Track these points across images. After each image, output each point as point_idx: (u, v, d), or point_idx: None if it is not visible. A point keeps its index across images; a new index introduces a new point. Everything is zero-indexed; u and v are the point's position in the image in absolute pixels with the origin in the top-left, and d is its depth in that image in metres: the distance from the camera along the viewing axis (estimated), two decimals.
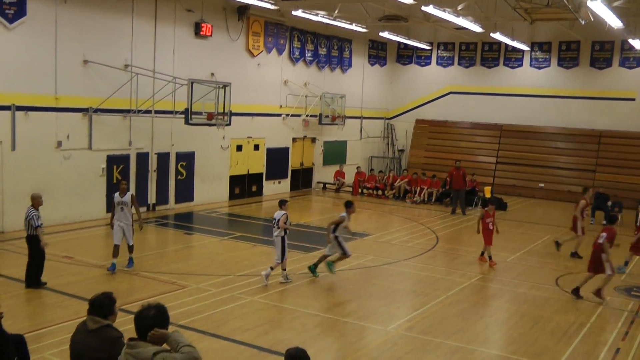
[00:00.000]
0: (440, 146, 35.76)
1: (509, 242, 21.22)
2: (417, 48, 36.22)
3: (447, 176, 27.67)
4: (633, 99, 32.23)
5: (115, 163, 21.66)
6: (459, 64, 36.21)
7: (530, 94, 34.28)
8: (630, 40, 29.48)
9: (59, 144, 19.85)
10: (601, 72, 32.89)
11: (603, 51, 32.80)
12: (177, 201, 24.21)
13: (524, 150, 33.75)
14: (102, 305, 6.49)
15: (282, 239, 14.71)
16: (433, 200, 28.98)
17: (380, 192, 30.35)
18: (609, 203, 26.03)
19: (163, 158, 23.47)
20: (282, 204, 15.13)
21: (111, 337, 6.03)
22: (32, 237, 13.46)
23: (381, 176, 31.45)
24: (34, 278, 13.54)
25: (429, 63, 37.02)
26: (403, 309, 13.76)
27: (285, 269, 14.97)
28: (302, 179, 31.53)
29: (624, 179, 30.96)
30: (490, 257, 17.63)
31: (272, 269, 14.75)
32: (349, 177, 32.02)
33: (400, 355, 10.87)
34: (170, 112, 22.17)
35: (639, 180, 30.73)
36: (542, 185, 32.46)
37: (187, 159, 24.44)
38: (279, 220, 14.76)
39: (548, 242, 21.54)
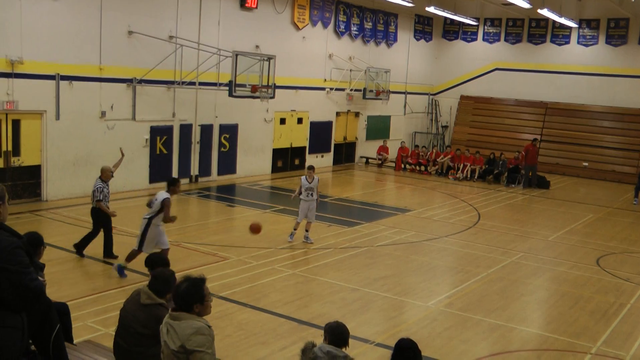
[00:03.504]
0: (485, 123, 35.39)
1: (550, 221, 21.03)
2: (464, 23, 35.71)
3: (523, 150, 28.13)
4: None
5: (159, 134, 21.91)
6: (506, 40, 35.63)
7: (577, 71, 33.61)
8: None
9: (103, 114, 20.14)
10: None
11: None
12: (219, 173, 24.43)
13: (569, 129, 33.21)
14: (166, 282, 6.57)
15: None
16: (476, 177, 28.75)
17: (422, 168, 30.21)
18: None
19: (206, 130, 23.67)
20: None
21: (160, 317, 6.03)
22: (95, 209, 13.60)
23: (424, 152, 31.27)
24: (106, 250, 13.71)
25: (475, 39, 36.50)
26: (443, 285, 13.77)
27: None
28: (345, 153, 31.54)
29: None
30: None
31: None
32: (392, 153, 31.91)
33: (439, 331, 10.90)
34: (214, 84, 22.32)
35: None
36: (587, 164, 31.96)
37: (230, 131, 24.61)
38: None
39: (590, 221, 21.30)
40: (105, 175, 13.71)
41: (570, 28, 33.50)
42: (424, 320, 11.39)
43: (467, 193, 25.61)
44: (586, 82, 33.45)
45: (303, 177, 16.12)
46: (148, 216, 12.47)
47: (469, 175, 28.83)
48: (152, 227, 12.36)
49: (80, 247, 13.80)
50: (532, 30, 34.91)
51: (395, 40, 33.52)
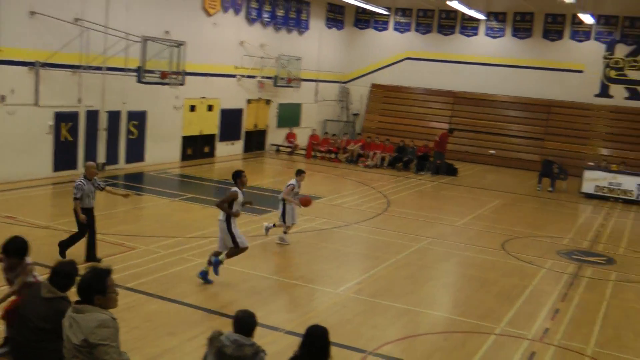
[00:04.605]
0: (395, 111, 35.90)
1: (459, 207, 21.52)
2: (375, 13, 36.01)
3: (438, 138, 28.61)
4: (581, 71, 32.97)
5: (64, 120, 21.15)
6: (416, 30, 36.19)
7: (485, 62, 34.58)
8: (580, 15, 30.49)
9: (3, 98, 19.21)
10: (553, 43, 33.48)
11: (555, 24, 33.36)
12: (127, 161, 23.82)
13: (477, 118, 34.12)
14: (67, 276, 6.31)
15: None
16: (386, 164, 29.12)
17: (333, 156, 30.37)
18: (556, 171, 26.50)
19: (114, 116, 23.00)
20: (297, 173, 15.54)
21: (62, 310, 5.77)
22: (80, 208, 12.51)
23: (335, 139, 31.43)
24: (88, 254, 12.62)
25: (386, 28, 36.91)
26: (353, 271, 13.87)
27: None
28: (255, 141, 31.33)
29: (571, 147, 31.82)
30: None
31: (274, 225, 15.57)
32: (303, 140, 31.92)
33: (349, 317, 10.97)
34: (123, 70, 21.72)
35: (584, 149, 31.67)
36: (494, 152, 32.84)
37: (138, 118, 24.02)
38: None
39: (497, 207, 21.93)
40: (89, 173, 12.57)
41: (478, 20, 34.35)
42: (334, 306, 11.44)
43: (377, 180, 25.87)
44: (493, 72, 34.42)
45: (294, 181, 15.37)
46: (223, 217, 12.08)
47: (379, 163, 29.16)
48: (233, 222, 12.06)
49: (63, 247, 12.60)
50: (442, 21, 35.59)
51: (307, 28, 33.49)
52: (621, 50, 32.53)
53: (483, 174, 29.76)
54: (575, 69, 33.04)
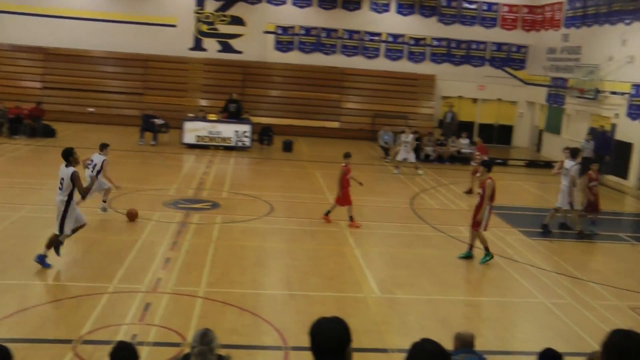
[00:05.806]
0: None
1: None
2: None
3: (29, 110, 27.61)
4: (174, 26, 33.90)
5: None
6: None
7: (77, 16, 33.29)
8: None
9: None
10: None
11: None
12: None
13: (72, 75, 32.80)
14: None
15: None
16: None
17: None
18: (158, 122, 27.07)
19: None
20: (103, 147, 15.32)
21: None
22: None
23: None
24: None
25: None
26: None
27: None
28: None
29: (170, 100, 32.45)
30: (352, 218, 16.06)
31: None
32: None
33: None
34: None
35: (183, 101, 32.68)
36: (93, 109, 32.15)
37: None
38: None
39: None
40: None
41: None
42: None
43: None
44: (86, 27, 33.14)
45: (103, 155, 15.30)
46: (64, 197, 11.54)
47: None
48: (71, 206, 11.65)
49: None
50: None
51: None
52: (211, 6, 34.08)
53: (84, 134, 28.86)
54: (169, 24, 33.78)
